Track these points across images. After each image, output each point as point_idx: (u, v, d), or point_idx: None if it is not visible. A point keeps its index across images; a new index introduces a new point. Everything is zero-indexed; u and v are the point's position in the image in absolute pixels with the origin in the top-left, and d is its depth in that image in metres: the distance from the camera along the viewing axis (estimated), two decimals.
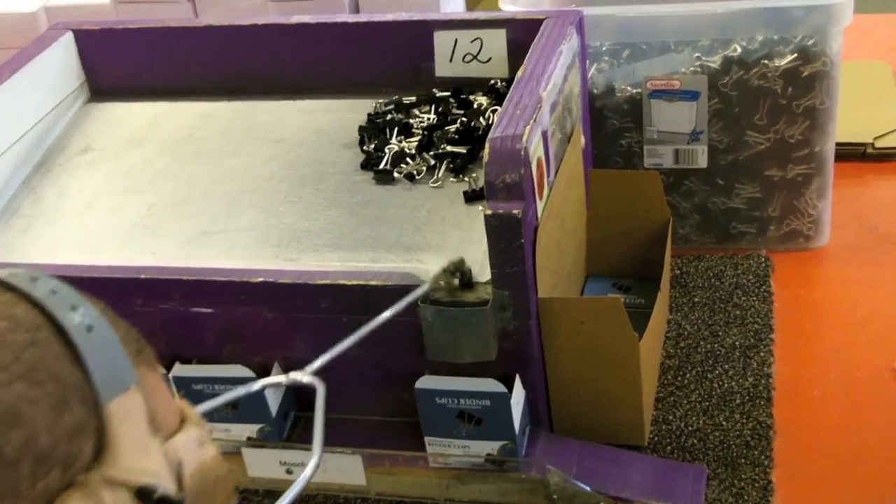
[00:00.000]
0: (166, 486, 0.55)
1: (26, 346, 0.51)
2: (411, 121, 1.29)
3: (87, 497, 0.51)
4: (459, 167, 1.22)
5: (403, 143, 1.26)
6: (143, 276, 1.09)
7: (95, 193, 1.28)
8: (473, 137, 1.24)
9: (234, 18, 1.41)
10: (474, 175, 1.21)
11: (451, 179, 1.21)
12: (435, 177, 1.21)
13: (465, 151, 1.23)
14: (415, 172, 1.22)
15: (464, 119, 1.26)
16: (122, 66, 1.43)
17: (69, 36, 1.41)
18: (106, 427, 0.53)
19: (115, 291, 1.09)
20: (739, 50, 1.31)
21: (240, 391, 0.85)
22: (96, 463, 0.52)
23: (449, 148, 1.24)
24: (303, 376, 0.89)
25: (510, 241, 0.99)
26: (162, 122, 1.39)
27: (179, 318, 1.09)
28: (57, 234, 1.22)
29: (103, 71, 1.44)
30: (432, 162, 1.23)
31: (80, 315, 0.54)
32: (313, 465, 0.77)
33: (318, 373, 0.89)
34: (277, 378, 0.91)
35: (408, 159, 1.24)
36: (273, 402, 1.11)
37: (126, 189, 1.28)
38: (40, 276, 0.55)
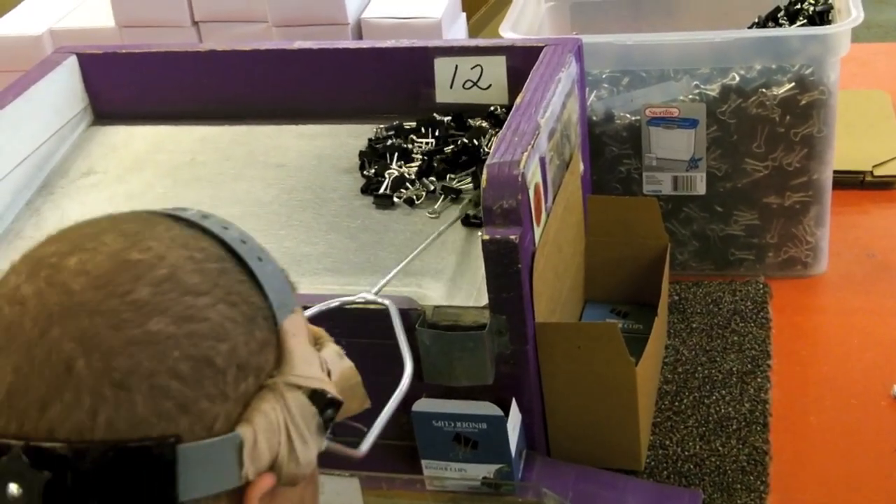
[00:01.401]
0: (330, 389, 0.64)
1: (219, 273, 0.60)
2: (411, 146, 1.30)
3: (275, 398, 0.60)
4: (458, 192, 1.22)
5: (403, 169, 1.27)
6: None
7: (97, 216, 1.28)
8: (473, 163, 1.25)
9: (236, 44, 1.42)
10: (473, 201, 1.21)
11: (451, 205, 1.22)
12: (434, 202, 1.22)
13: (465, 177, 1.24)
14: (414, 197, 1.23)
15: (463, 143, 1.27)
16: (125, 90, 1.44)
17: (73, 60, 1.42)
18: (282, 341, 0.62)
19: None
20: (738, 78, 1.32)
21: (321, 307, 0.93)
22: (277, 371, 0.61)
23: (448, 174, 1.25)
24: (373, 296, 1.03)
25: (507, 266, 0.99)
26: (164, 146, 1.40)
27: None
28: None
29: (106, 95, 1.45)
30: (432, 187, 1.24)
31: (249, 248, 0.63)
32: (408, 372, 0.92)
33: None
34: (352, 297, 1.02)
35: (407, 184, 1.25)
36: None
37: None
38: (210, 215, 0.64)
